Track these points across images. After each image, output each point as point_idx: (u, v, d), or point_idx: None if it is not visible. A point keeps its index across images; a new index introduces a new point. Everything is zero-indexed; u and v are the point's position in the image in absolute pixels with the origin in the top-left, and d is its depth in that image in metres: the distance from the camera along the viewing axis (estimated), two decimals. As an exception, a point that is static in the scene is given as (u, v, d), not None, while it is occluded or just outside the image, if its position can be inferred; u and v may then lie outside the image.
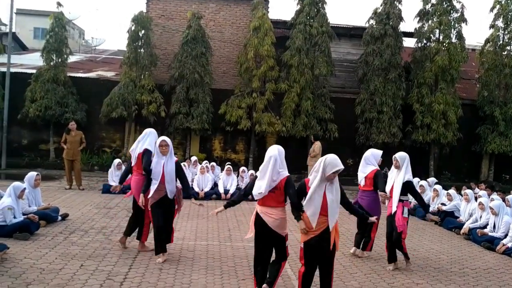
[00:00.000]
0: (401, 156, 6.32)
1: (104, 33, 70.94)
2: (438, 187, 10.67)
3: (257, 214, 4.86)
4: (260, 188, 4.73)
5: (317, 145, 13.84)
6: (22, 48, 27.32)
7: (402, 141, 16.13)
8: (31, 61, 18.56)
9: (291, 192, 4.71)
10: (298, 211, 4.66)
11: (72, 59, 21.09)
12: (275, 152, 4.81)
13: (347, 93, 17.30)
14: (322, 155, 5.31)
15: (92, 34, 56.72)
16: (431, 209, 10.31)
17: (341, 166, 4.51)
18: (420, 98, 16.06)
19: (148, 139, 6.48)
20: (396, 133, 15.89)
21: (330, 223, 4.61)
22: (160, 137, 6.26)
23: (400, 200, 6.15)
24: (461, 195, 10.07)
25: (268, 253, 4.94)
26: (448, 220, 9.46)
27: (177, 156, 14.95)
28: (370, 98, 16.04)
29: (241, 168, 12.57)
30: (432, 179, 12.66)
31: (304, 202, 4.66)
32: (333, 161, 4.52)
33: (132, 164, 6.56)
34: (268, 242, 4.87)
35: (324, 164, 4.54)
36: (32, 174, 7.86)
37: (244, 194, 5.20)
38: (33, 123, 15.21)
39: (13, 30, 30.76)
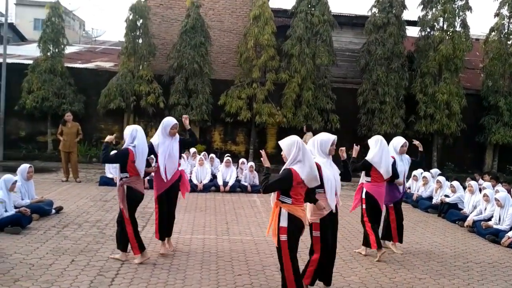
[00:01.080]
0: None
1: (105, 24, 70.58)
2: (442, 178, 10.44)
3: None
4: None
5: (309, 136, 13.60)
6: (21, 39, 27.16)
7: (405, 131, 15.85)
8: (29, 52, 18.31)
9: None
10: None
11: (71, 49, 20.93)
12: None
13: (349, 83, 17.02)
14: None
15: (92, 25, 56.43)
16: (434, 201, 10.12)
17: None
18: (424, 88, 15.76)
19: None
20: (399, 124, 15.62)
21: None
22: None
23: None
24: (465, 186, 9.85)
25: None
26: (451, 212, 9.24)
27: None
28: (372, 88, 15.75)
29: (241, 160, 12.35)
30: (435, 170, 12.45)
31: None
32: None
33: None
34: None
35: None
36: (24, 167, 7.67)
37: None
38: (30, 114, 15.00)
39: (13, 21, 30.76)
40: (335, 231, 5.03)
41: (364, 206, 6.32)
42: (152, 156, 6.11)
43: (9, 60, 16.05)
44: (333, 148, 4.86)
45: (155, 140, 6.02)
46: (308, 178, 4.24)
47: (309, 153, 4.36)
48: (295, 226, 4.26)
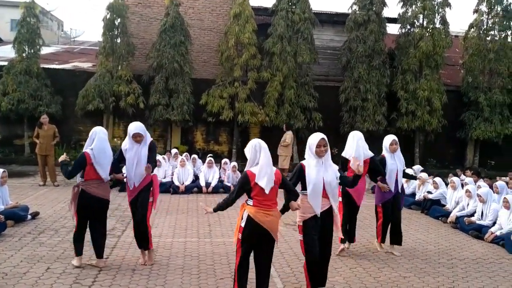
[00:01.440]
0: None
1: (84, 24, 69.48)
2: (424, 175, 10.45)
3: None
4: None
5: (288, 135, 13.53)
6: (-4, 40, 26.43)
7: (387, 129, 15.89)
8: (4, 53, 17.83)
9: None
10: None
11: (48, 50, 20.47)
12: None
13: (331, 81, 17.00)
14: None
15: (71, 25, 55.53)
16: (417, 197, 10.13)
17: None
18: (405, 85, 15.84)
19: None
20: (381, 121, 15.67)
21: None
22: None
23: None
24: (447, 182, 9.88)
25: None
26: (434, 208, 9.25)
27: (158, 148, 14.56)
28: (354, 85, 15.76)
29: (223, 160, 12.20)
30: (417, 167, 12.48)
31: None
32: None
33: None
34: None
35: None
36: (-3, 171, 7.38)
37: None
38: (6, 117, 14.59)
39: (-12, 22, 29.98)
40: (325, 235, 4.73)
41: (339, 200, 6.13)
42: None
43: (-18, 62, 15.62)
44: (321, 150, 4.58)
45: (124, 144, 5.69)
46: (263, 181, 4.22)
47: (267, 155, 4.31)
48: (250, 229, 4.25)
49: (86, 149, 5.38)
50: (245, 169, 4.36)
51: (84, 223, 5.41)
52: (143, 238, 5.63)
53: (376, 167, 6.32)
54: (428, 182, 9.71)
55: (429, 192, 9.81)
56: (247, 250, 4.35)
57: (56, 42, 30.39)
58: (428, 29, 15.81)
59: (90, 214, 5.39)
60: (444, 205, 9.29)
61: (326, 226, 4.73)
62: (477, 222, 7.80)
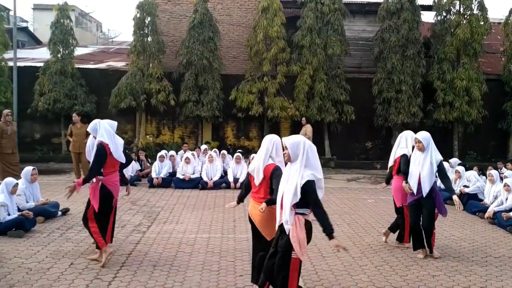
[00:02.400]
0: (424, 137, 5.80)
1: (121, 24, 71.17)
2: (461, 168, 9.99)
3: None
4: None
5: (309, 128, 13.53)
6: (37, 43, 27.45)
7: (423, 120, 15.35)
8: (41, 55, 18.44)
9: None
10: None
11: (85, 51, 21.05)
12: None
13: (363, 73, 16.55)
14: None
15: (108, 26, 57.03)
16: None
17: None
18: (441, 75, 15.18)
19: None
20: (417, 113, 15.11)
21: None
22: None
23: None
24: (486, 175, 9.38)
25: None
26: (471, 203, 8.80)
27: (189, 145, 14.68)
28: (387, 77, 15.26)
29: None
30: (454, 160, 11.94)
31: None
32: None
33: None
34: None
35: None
36: (28, 169, 7.59)
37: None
38: (43, 116, 15.09)
39: (32, 26, 31.14)
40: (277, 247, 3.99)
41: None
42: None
43: (22, 64, 16.20)
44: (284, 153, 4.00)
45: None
46: (253, 173, 4.47)
47: (262, 148, 4.42)
48: (249, 220, 4.60)
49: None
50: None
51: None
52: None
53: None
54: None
55: (466, 186, 9.35)
56: (254, 241, 4.54)
57: (95, 43, 31.24)
58: (465, 16, 15.08)
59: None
60: (481, 200, 8.83)
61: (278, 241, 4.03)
62: (516, 217, 7.35)
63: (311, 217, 3.86)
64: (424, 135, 5.83)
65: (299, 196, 3.71)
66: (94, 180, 5.49)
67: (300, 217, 3.79)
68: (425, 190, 5.75)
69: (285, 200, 3.79)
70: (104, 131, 5.46)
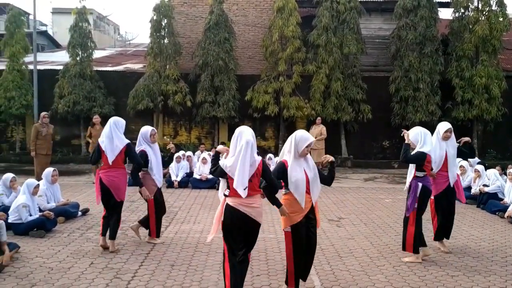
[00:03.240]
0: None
1: (138, 27, 71.98)
2: (480, 167, 9.82)
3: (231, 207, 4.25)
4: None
5: (324, 128, 13.56)
6: (56, 46, 27.99)
7: (442, 119, 15.08)
8: (61, 58, 18.80)
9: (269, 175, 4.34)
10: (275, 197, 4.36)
11: (103, 53, 21.38)
12: (249, 137, 4.22)
13: (380, 71, 16.42)
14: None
15: (126, 29, 57.73)
16: (472, 191, 9.54)
17: (312, 139, 4.51)
18: (460, 72, 14.97)
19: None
20: (435, 111, 14.92)
21: (313, 199, 4.54)
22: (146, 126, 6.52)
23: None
24: (506, 174, 9.22)
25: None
26: (491, 202, 8.67)
27: (206, 145, 14.76)
28: (404, 75, 15.12)
29: (268, 155, 12.13)
30: (474, 159, 11.74)
31: (289, 185, 4.42)
32: (303, 136, 4.45)
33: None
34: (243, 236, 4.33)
35: (295, 141, 4.43)
36: (49, 170, 7.77)
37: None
38: (63, 118, 15.37)
39: (51, 30, 31.78)
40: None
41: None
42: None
43: (42, 67, 16.54)
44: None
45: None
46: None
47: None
48: None
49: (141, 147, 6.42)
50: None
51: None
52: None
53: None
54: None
55: (486, 185, 9.21)
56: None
57: (113, 45, 31.69)
58: (484, 12, 14.84)
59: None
60: (501, 199, 8.68)
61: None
62: (538, 217, 7.21)
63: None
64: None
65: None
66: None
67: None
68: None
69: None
70: (103, 130, 6.11)
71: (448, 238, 6.27)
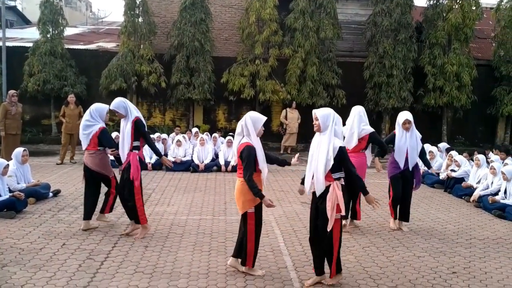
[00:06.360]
0: (411, 117, 6.37)
1: (111, 4, 69.99)
2: (454, 153, 10.07)
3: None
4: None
5: (296, 113, 14.58)
6: (26, 22, 26.97)
7: (413, 105, 15.47)
8: (31, 35, 18.15)
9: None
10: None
11: (75, 31, 20.75)
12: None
13: (355, 57, 16.56)
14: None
15: (98, 6, 56.16)
16: (441, 176, 9.82)
17: (264, 117, 4.65)
18: (432, 60, 15.27)
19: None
20: (407, 98, 15.23)
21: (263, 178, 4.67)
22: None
23: None
24: (473, 160, 9.53)
25: None
26: (457, 187, 8.98)
27: (181, 128, 14.66)
28: (379, 61, 15.32)
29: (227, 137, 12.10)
30: (443, 145, 12.08)
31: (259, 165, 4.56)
32: (256, 116, 4.58)
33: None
34: None
35: (252, 122, 4.50)
36: (19, 150, 7.59)
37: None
38: (33, 97, 14.94)
39: (20, 5, 30.55)
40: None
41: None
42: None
43: (10, 44, 15.96)
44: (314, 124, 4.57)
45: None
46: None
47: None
48: None
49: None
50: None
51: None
52: (132, 213, 5.88)
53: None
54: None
55: (453, 171, 9.52)
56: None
57: (85, 23, 30.76)
58: (458, 1, 15.11)
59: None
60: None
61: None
62: (501, 201, 7.53)
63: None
64: (411, 116, 6.34)
65: (331, 162, 4.19)
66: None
67: (337, 182, 4.28)
68: (413, 162, 6.34)
69: (319, 168, 4.25)
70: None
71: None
